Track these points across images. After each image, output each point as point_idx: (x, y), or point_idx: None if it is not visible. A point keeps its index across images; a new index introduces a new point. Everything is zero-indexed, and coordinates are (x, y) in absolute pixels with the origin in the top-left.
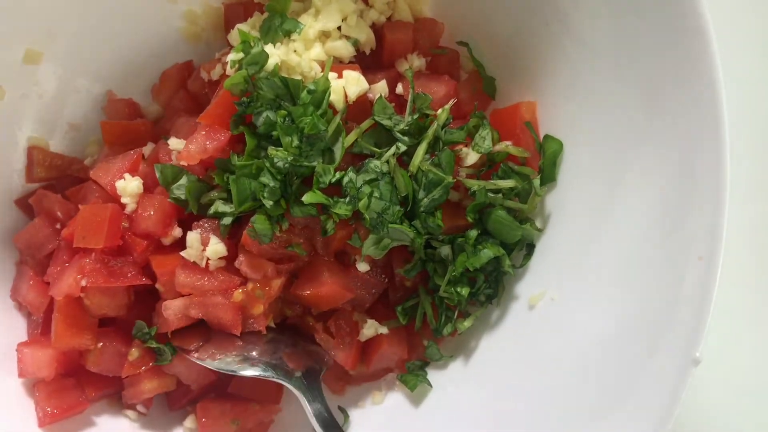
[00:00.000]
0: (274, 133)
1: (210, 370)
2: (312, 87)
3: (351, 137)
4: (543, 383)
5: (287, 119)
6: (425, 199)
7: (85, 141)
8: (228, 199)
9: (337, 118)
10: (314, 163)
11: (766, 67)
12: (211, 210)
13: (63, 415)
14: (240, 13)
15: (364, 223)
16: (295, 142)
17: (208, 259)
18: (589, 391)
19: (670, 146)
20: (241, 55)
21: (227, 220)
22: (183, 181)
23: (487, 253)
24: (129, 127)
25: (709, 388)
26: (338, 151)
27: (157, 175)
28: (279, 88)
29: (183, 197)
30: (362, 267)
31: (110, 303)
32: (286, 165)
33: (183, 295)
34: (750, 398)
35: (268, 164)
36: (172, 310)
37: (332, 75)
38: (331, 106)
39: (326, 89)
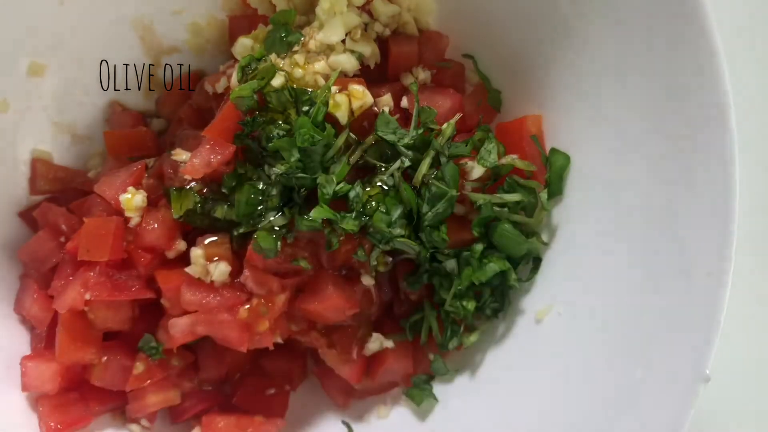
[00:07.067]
0: (270, 145)
1: None
2: (311, 98)
3: (355, 151)
4: (549, 397)
5: (288, 132)
6: (429, 213)
7: (89, 154)
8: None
9: (345, 134)
10: (315, 175)
11: None
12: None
13: (67, 429)
14: (244, 25)
15: (369, 237)
16: (295, 155)
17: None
18: (594, 408)
19: (677, 159)
20: (252, 65)
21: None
22: (188, 200)
23: (493, 267)
24: (132, 136)
25: (715, 403)
26: (342, 165)
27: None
28: (287, 100)
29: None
30: (367, 281)
31: (115, 317)
32: (285, 177)
33: (188, 312)
34: (758, 413)
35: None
36: (179, 327)
37: (336, 89)
38: (335, 119)
39: (324, 100)
